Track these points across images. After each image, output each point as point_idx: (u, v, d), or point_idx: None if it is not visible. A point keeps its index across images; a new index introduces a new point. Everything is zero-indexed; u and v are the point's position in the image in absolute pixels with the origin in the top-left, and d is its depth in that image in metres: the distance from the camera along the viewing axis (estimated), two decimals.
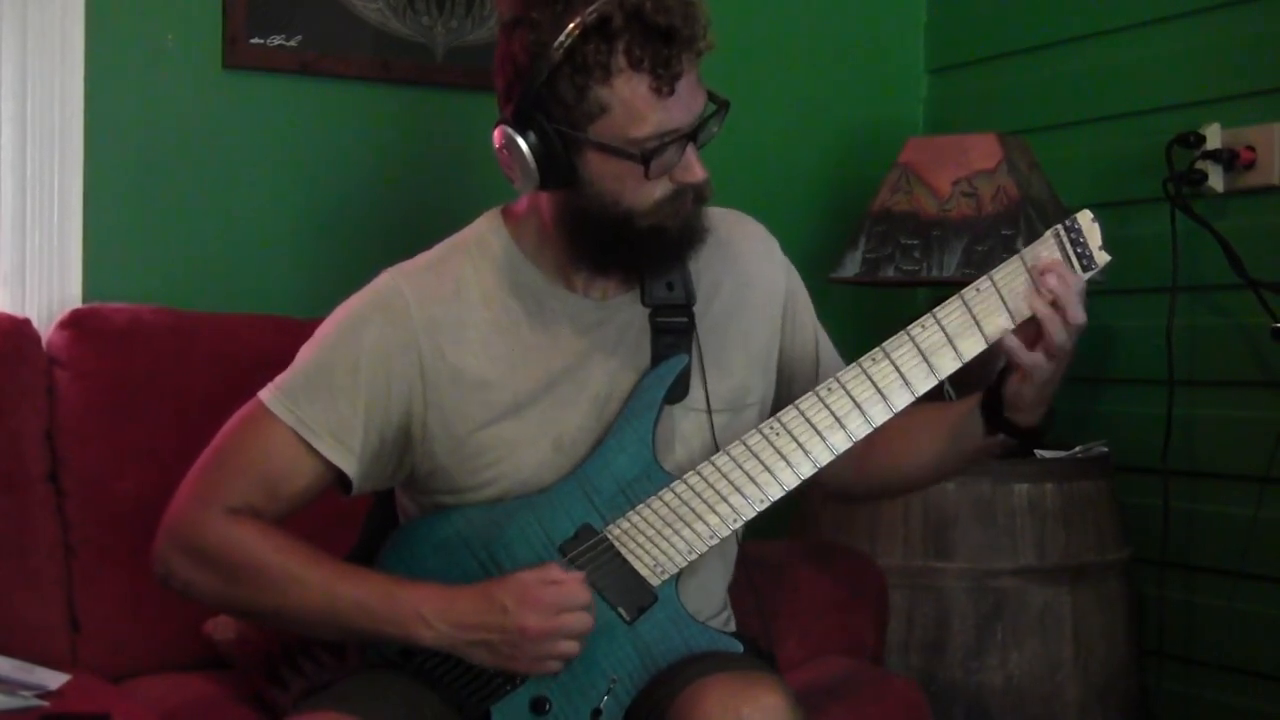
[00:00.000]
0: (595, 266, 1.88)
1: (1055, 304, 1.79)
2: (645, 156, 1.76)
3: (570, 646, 1.77)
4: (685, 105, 1.77)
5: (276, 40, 2.82)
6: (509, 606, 1.75)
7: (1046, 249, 1.82)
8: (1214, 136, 2.89)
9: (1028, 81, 3.31)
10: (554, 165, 1.78)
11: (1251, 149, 2.84)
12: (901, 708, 2.31)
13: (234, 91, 2.81)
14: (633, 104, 1.74)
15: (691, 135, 1.79)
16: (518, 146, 1.78)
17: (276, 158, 2.86)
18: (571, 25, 1.72)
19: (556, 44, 1.73)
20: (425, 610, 1.77)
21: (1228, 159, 2.87)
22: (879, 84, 3.49)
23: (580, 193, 1.80)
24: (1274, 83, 2.83)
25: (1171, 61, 3.01)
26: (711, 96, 1.81)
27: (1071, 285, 1.79)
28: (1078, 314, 1.79)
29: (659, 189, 1.80)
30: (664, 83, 1.74)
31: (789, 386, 2.02)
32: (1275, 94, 2.83)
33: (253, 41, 2.80)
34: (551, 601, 1.75)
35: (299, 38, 2.83)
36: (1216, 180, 2.90)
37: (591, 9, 1.72)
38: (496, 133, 1.80)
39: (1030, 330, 1.81)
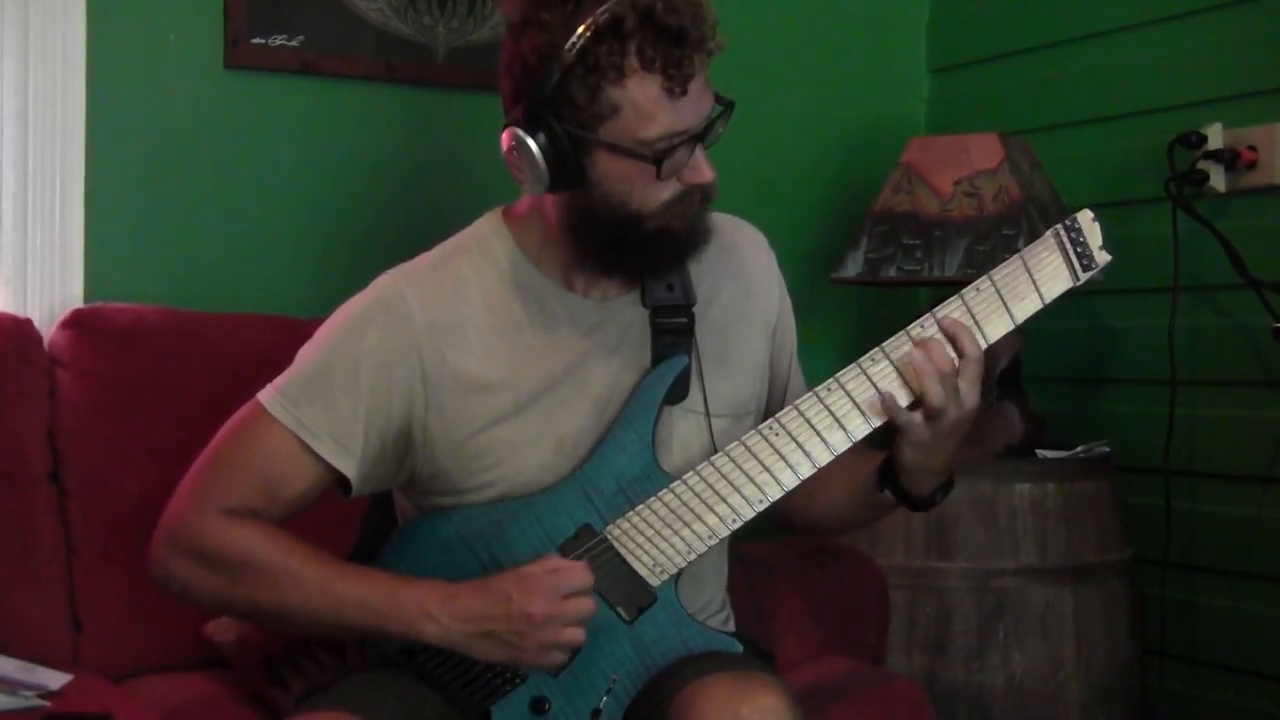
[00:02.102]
0: (600, 267, 1.88)
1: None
2: (657, 158, 1.76)
3: (575, 633, 1.77)
4: (695, 106, 1.77)
5: (278, 40, 2.82)
6: (512, 595, 1.75)
7: (1046, 248, 1.81)
8: (1215, 136, 2.89)
9: (1029, 81, 3.31)
10: (564, 166, 1.78)
11: (1253, 149, 2.84)
12: (903, 708, 2.31)
13: (235, 91, 2.81)
14: (644, 105, 1.74)
15: (700, 136, 1.79)
16: (528, 148, 1.77)
17: (278, 157, 2.86)
18: (583, 27, 1.72)
19: (568, 45, 1.72)
20: (430, 606, 1.77)
21: (1229, 159, 2.87)
22: (881, 84, 3.50)
23: (588, 194, 1.80)
24: (1276, 83, 2.83)
25: (1173, 61, 3.01)
26: (717, 97, 1.81)
27: (942, 367, 1.77)
28: (937, 399, 1.77)
29: (667, 190, 1.80)
30: (676, 84, 1.74)
31: None
32: (1277, 94, 2.83)
33: (254, 41, 2.80)
34: (554, 586, 1.75)
35: (300, 37, 2.83)
36: (1218, 180, 2.90)
37: (603, 10, 1.72)
38: (505, 135, 1.80)
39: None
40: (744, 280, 2.00)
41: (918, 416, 1.79)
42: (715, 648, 1.86)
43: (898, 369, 1.80)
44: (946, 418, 1.79)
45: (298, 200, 2.87)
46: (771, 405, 2.00)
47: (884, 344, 1.83)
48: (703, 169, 1.80)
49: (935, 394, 1.77)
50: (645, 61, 1.73)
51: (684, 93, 1.75)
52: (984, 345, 1.81)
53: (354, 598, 1.79)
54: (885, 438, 1.85)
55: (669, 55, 1.73)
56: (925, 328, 1.81)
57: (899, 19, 3.52)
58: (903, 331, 1.82)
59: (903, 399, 1.80)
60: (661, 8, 1.72)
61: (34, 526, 2.36)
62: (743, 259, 2.01)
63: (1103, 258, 1.82)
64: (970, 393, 1.79)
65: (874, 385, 1.82)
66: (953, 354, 1.78)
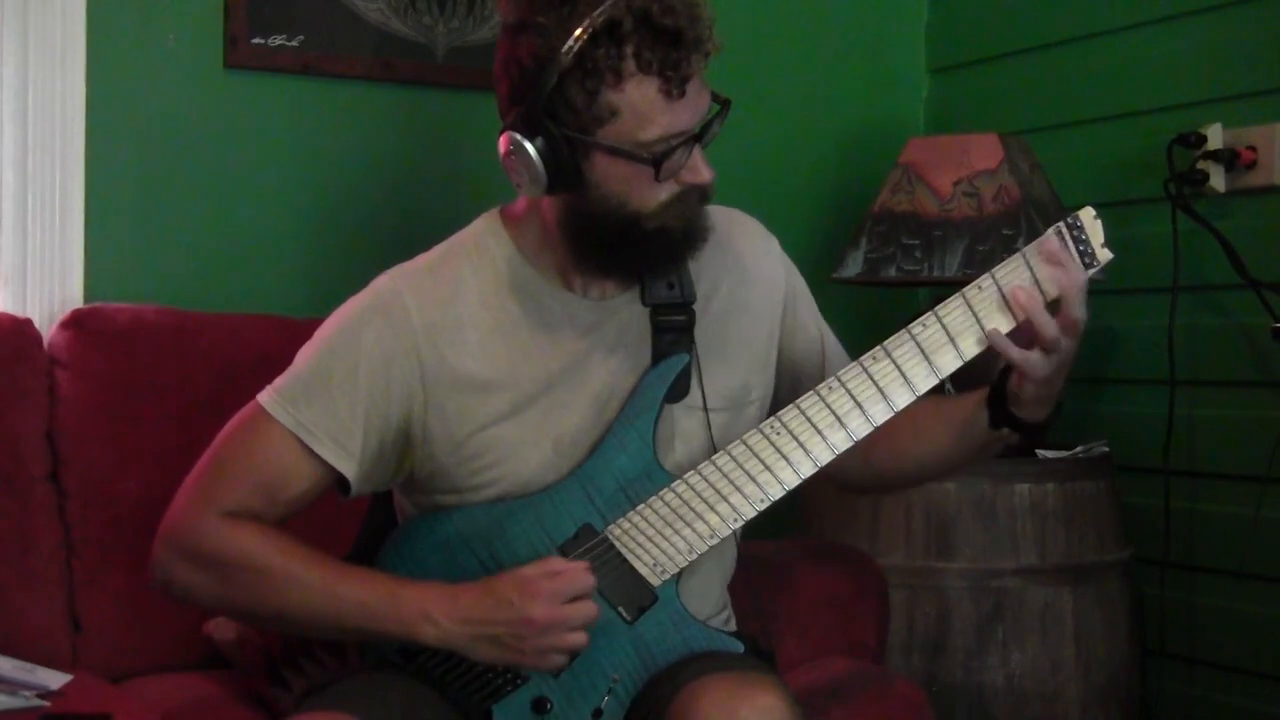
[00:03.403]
0: (599, 268, 1.88)
1: (1057, 300, 1.79)
2: (655, 159, 1.76)
3: (577, 638, 1.77)
4: (692, 107, 1.77)
5: (277, 40, 2.81)
6: (514, 599, 1.75)
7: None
8: (1215, 136, 2.89)
9: (1029, 81, 3.31)
10: (561, 169, 1.77)
11: (1252, 149, 2.84)
12: (903, 708, 2.31)
13: (235, 91, 2.81)
14: (642, 107, 1.74)
15: (698, 136, 1.79)
16: (526, 152, 1.77)
17: (277, 158, 2.86)
18: (579, 30, 1.71)
19: (565, 48, 1.72)
20: (430, 608, 1.77)
21: (1229, 159, 2.87)
22: (880, 84, 3.49)
23: (586, 195, 1.80)
24: (1275, 83, 2.83)
25: (1173, 61, 3.01)
26: (713, 96, 1.81)
27: (1075, 280, 1.78)
28: (1078, 311, 1.78)
29: (665, 190, 1.79)
30: (674, 85, 1.73)
31: (794, 384, 2.02)
32: (1276, 94, 2.83)
33: (254, 41, 2.79)
34: (556, 591, 1.75)
35: (300, 38, 2.83)
36: (1218, 180, 2.90)
37: (599, 12, 1.71)
38: (502, 139, 1.79)
39: (1029, 326, 1.80)
40: (742, 271, 2.00)
41: (1035, 354, 1.78)
42: (716, 648, 1.86)
43: (1009, 307, 1.79)
44: (1067, 346, 1.79)
45: (297, 200, 2.87)
46: (805, 384, 1.95)
47: (885, 342, 1.83)
48: (701, 169, 1.80)
49: (1047, 322, 1.77)
50: (643, 64, 1.73)
51: (682, 94, 1.75)
52: (986, 345, 1.81)
53: (354, 599, 1.79)
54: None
55: (666, 57, 1.73)
56: (927, 325, 1.82)
57: (898, 19, 3.52)
58: (903, 330, 1.83)
59: (1004, 328, 1.80)
60: (658, 9, 1.72)
61: (33, 527, 2.36)
62: (739, 251, 2.01)
63: (1104, 255, 1.82)
64: (1083, 316, 1.79)
65: (875, 383, 1.82)
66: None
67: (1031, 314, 1.78)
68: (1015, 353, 1.79)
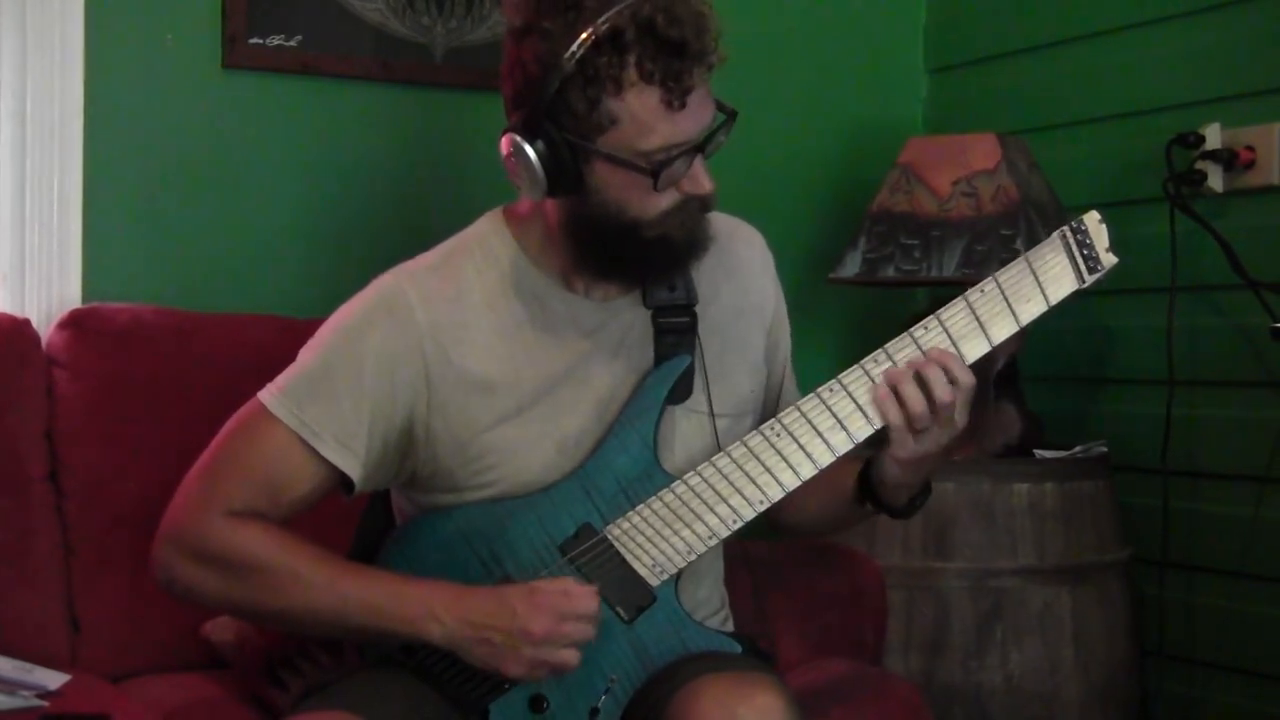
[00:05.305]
0: (599, 272, 1.88)
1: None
2: (654, 169, 1.75)
3: (569, 655, 1.77)
4: (695, 118, 1.77)
5: (276, 40, 2.81)
6: (518, 609, 1.75)
7: (1052, 251, 1.81)
8: (1213, 136, 2.89)
9: (1027, 82, 3.31)
10: (562, 174, 1.77)
11: (1251, 149, 2.84)
12: (901, 708, 2.31)
13: (234, 91, 2.81)
14: (643, 117, 1.74)
15: (700, 146, 1.79)
16: (526, 155, 1.77)
17: (276, 158, 2.86)
18: (584, 36, 1.71)
19: (568, 54, 1.72)
20: (436, 607, 1.77)
21: (1227, 159, 2.87)
22: (879, 84, 3.49)
23: (586, 201, 1.80)
24: (1274, 83, 2.83)
25: (1171, 61, 3.01)
26: (719, 106, 1.80)
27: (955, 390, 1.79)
28: (962, 403, 1.79)
29: (665, 199, 1.79)
30: (675, 96, 1.73)
31: None
32: (1275, 94, 2.84)
33: (252, 41, 2.79)
34: (558, 608, 1.75)
35: (299, 38, 2.83)
36: (1216, 180, 2.90)
37: (604, 19, 1.71)
38: (504, 141, 1.79)
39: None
40: (741, 280, 2.00)
41: (908, 434, 1.80)
42: (714, 648, 1.86)
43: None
44: (934, 437, 1.81)
45: (295, 200, 2.87)
46: (764, 408, 1.99)
47: (887, 345, 1.83)
48: (701, 180, 1.80)
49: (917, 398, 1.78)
50: (644, 74, 1.73)
51: (683, 105, 1.74)
52: (989, 348, 1.81)
53: (359, 598, 1.79)
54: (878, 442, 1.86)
55: (669, 68, 1.72)
56: (928, 329, 1.81)
57: (896, 19, 3.52)
58: (905, 334, 1.82)
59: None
60: (663, 20, 1.72)
61: (32, 527, 2.36)
62: (740, 259, 2.01)
63: (1109, 260, 1.81)
64: (961, 416, 1.81)
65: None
66: (946, 380, 1.79)
67: (915, 379, 1.79)
68: (894, 416, 1.79)
